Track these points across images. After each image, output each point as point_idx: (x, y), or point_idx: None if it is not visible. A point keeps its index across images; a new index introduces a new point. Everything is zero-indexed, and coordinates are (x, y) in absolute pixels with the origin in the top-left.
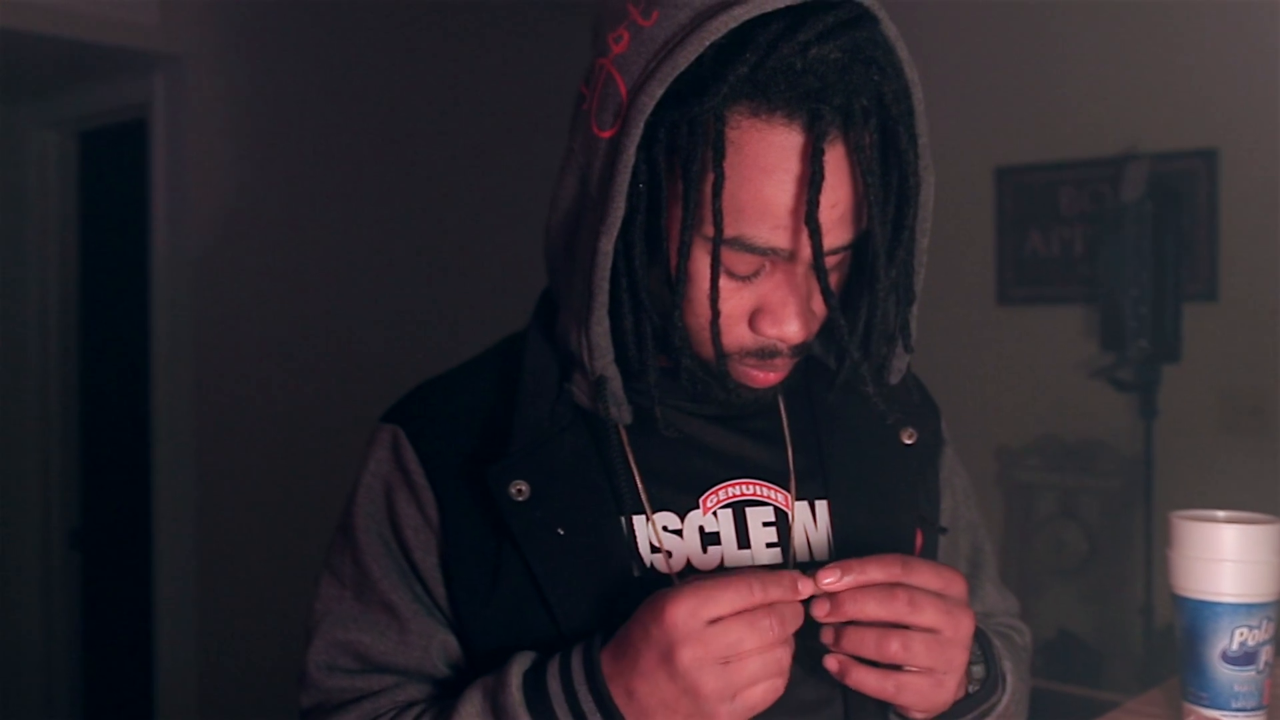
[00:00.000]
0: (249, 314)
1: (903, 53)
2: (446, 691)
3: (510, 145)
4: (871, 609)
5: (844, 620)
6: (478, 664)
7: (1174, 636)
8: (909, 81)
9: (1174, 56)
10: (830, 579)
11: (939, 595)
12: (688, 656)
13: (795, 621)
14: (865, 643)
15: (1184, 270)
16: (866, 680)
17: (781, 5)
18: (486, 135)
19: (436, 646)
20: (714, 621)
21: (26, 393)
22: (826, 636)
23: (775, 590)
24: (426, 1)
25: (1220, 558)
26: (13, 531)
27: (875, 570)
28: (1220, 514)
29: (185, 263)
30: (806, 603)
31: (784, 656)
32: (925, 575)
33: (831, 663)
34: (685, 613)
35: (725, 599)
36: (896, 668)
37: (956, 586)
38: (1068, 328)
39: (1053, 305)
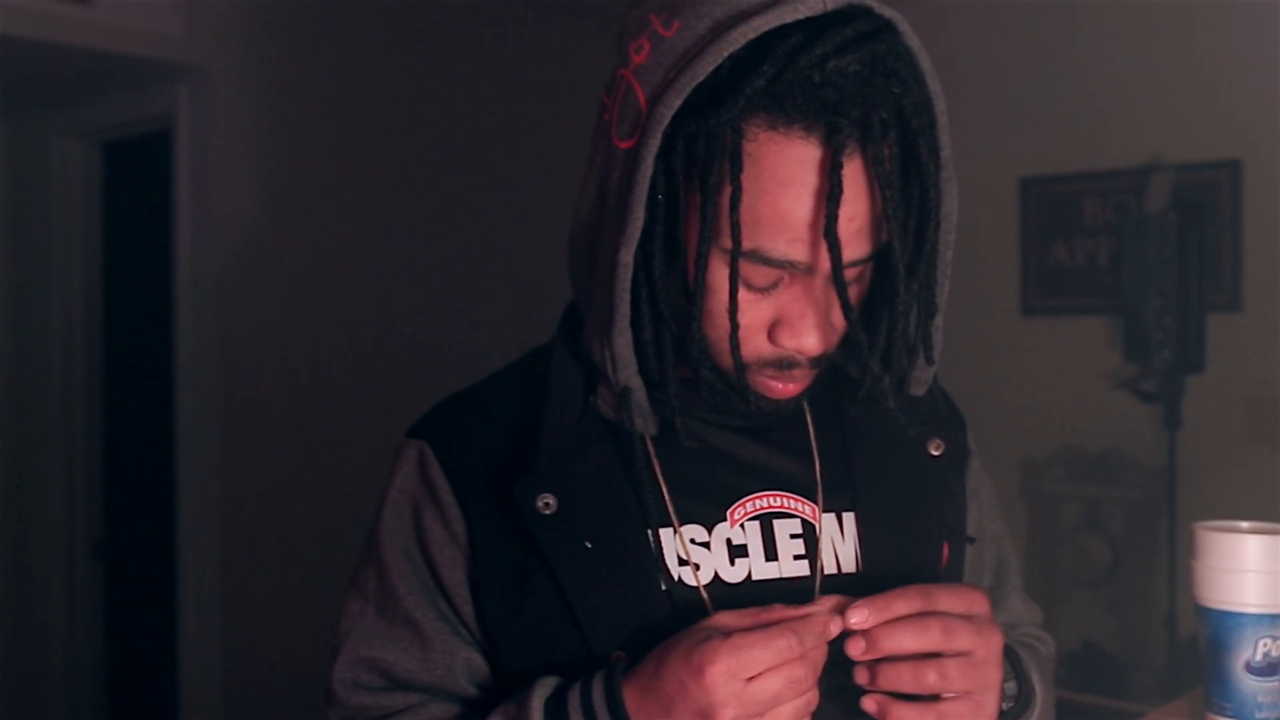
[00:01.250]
0: (273, 325)
1: (925, 64)
2: (473, 711)
3: (536, 156)
4: (908, 642)
5: (881, 656)
6: (506, 682)
7: (1198, 647)
8: (931, 93)
9: (1197, 68)
10: (858, 618)
11: (967, 617)
12: (728, 716)
13: (822, 663)
14: (903, 677)
15: (1207, 281)
16: (908, 716)
17: (801, 16)
18: (513, 147)
19: (461, 665)
20: (751, 678)
21: (50, 404)
22: (861, 676)
23: (810, 640)
24: (452, 11)
25: (1244, 568)
26: (37, 543)
27: (901, 605)
28: (1244, 524)
29: (209, 273)
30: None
31: (812, 699)
32: (949, 599)
33: (870, 703)
34: (725, 674)
35: (764, 658)
36: (934, 697)
37: (980, 605)
38: (1092, 339)
39: (1076, 316)
